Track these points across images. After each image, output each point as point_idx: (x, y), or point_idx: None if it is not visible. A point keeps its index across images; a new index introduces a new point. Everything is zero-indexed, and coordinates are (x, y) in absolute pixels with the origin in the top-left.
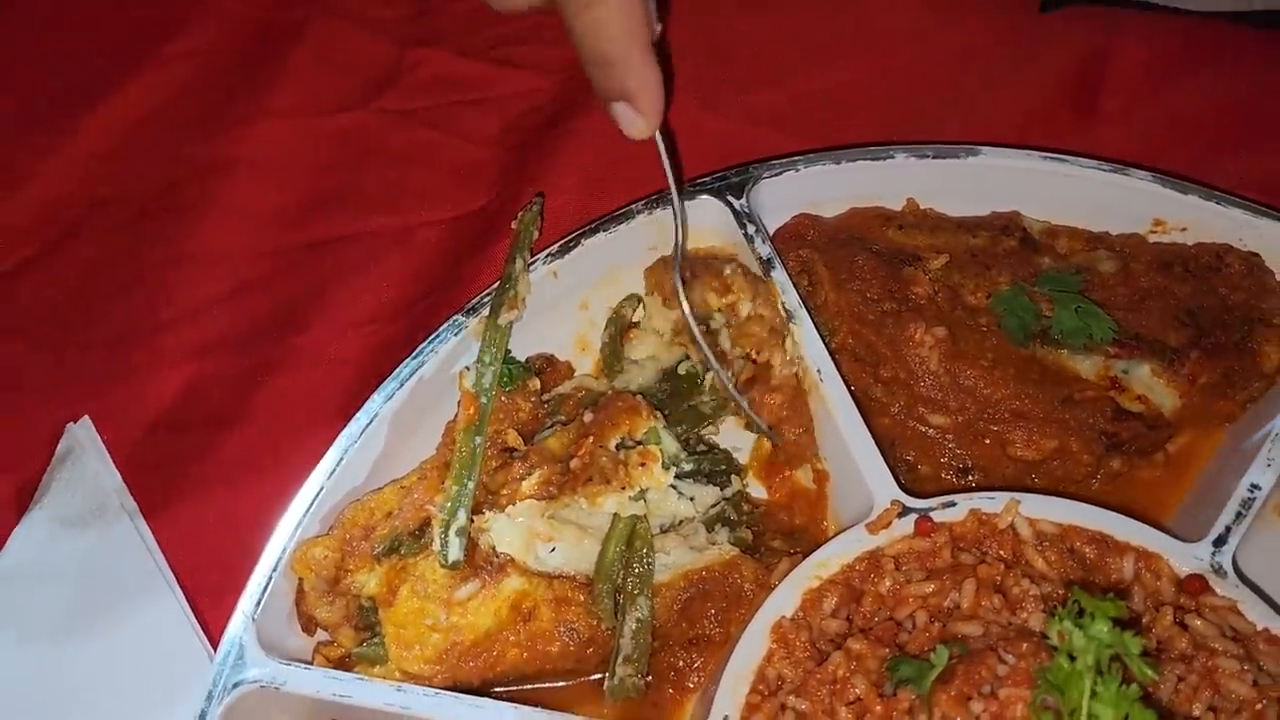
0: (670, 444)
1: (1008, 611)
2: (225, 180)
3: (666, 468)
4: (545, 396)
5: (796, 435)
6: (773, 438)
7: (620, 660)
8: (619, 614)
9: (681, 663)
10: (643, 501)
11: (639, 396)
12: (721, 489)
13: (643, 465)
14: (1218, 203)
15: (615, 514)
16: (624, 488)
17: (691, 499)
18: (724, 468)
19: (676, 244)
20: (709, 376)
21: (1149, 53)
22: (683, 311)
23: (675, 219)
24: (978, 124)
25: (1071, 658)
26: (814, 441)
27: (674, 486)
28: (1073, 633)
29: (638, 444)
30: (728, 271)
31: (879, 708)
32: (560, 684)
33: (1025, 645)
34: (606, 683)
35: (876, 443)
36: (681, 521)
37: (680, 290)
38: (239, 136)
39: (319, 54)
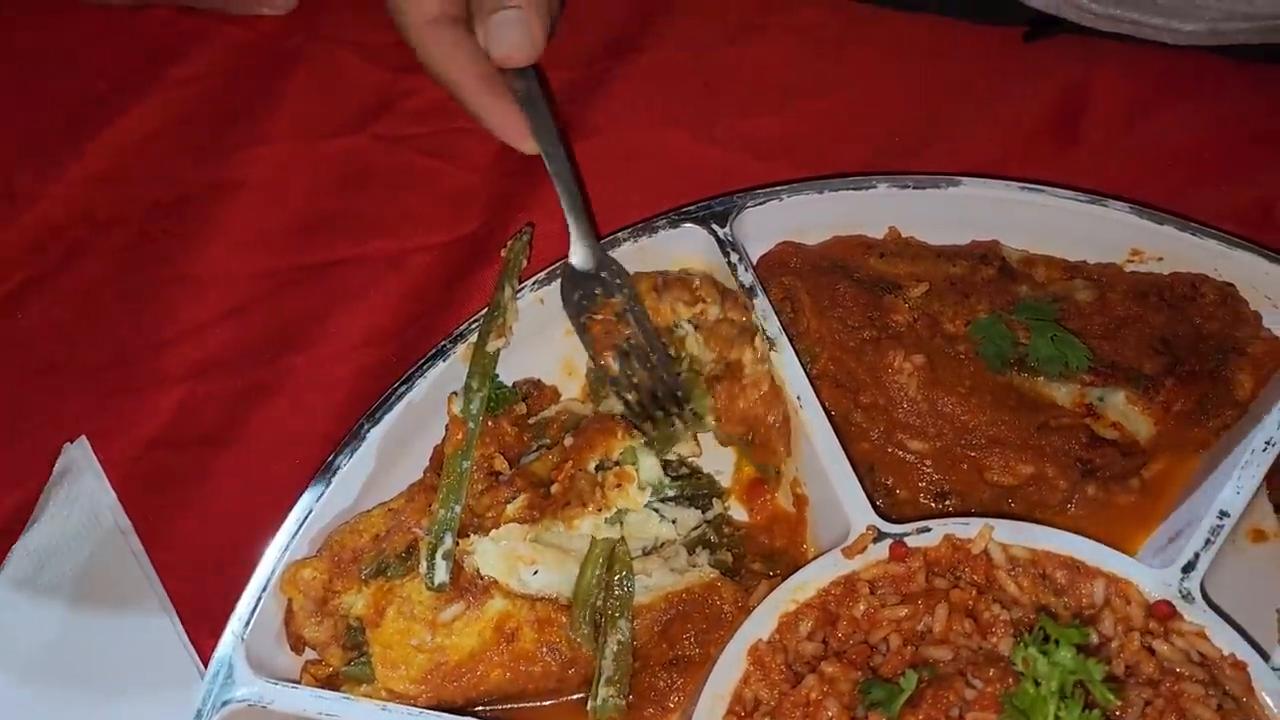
0: (650, 466)
1: (978, 636)
2: (224, 204)
3: (642, 488)
4: (531, 420)
5: (772, 424)
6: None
7: (602, 681)
8: (600, 637)
9: (662, 683)
10: (619, 524)
11: (618, 418)
12: (703, 512)
13: (618, 486)
14: (1193, 234)
15: (592, 538)
16: (600, 510)
17: (674, 521)
18: (706, 491)
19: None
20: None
21: (1129, 84)
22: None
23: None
24: (961, 153)
25: (1036, 683)
26: (786, 438)
27: (656, 510)
28: (1038, 659)
29: (616, 464)
30: (697, 282)
31: None
32: (543, 704)
33: (992, 671)
34: (590, 703)
35: (856, 468)
36: (663, 544)
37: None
38: (238, 161)
39: (316, 81)
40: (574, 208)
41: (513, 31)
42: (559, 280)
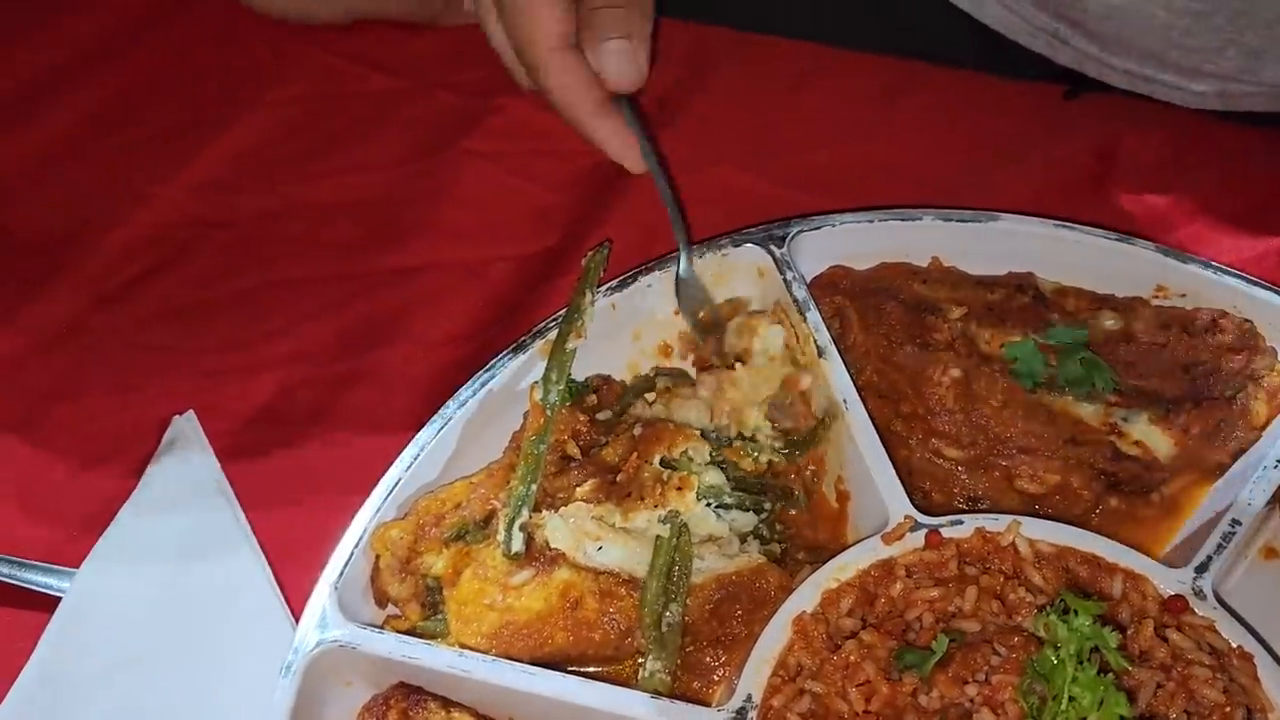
0: (713, 473)
1: (1005, 615)
2: (319, 213)
3: (700, 498)
4: (600, 416)
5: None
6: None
7: (651, 658)
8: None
9: (709, 658)
10: (671, 523)
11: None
12: (758, 514)
13: (678, 489)
14: (1215, 272)
15: (657, 539)
16: (656, 506)
17: (729, 523)
18: (765, 500)
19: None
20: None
21: (1159, 141)
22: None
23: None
24: (999, 197)
25: (1056, 648)
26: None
27: (715, 512)
28: (1058, 625)
29: (674, 467)
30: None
31: (885, 689)
32: (599, 669)
33: (1016, 639)
34: (640, 674)
35: (895, 470)
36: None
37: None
38: (333, 175)
39: (411, 107)
40: (678, 220)
41: (622, 61)
42: (643, 286)
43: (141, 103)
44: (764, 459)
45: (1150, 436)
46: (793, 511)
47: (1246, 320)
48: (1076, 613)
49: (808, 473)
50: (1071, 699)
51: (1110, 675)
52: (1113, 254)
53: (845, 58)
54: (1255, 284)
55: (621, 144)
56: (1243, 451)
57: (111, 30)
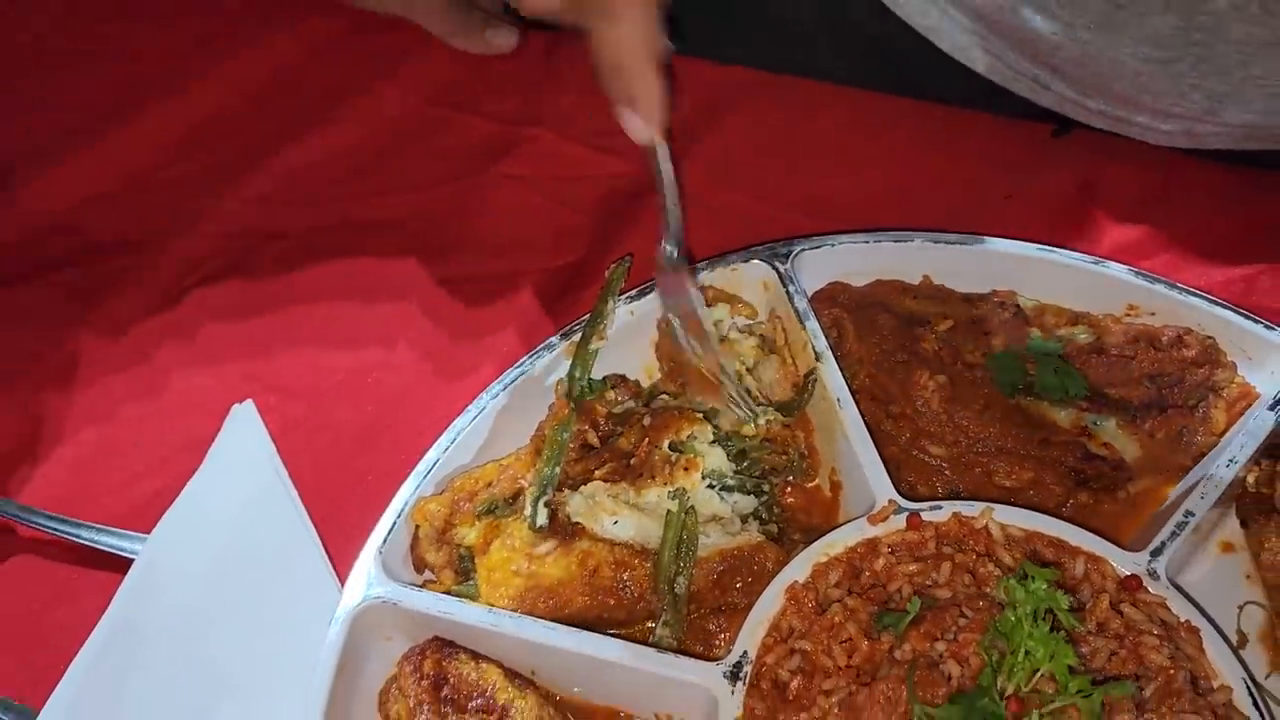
0: (717, 457)
1: (975, 586)
2: (367, 227)
3: (704, 479)
4: (616, 409)
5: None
6: (785, 415)
7: (661, 624)
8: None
9: (712, 626)
10: (679, 500)
11: (686, 408)
12: (757, 498)
13: (685, 469)
14: (1181, 293)
15: (668, 513)
16: (665, 484)
17: (732, 504)
18: (764, 481)
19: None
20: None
21: (1138, 175)
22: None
23: (665, 220)
24: (986, 224)
25: (1014, 609)
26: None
27: (719, 495)
28: (1016, 588)
29: (681, 450)
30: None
31: (865, 646)
32: (613, 632)
33: (982, 603)
34: (650, 638)
35: (885, 465)
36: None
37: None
38: (380, 194)
39: (452, 134)
40: (676, 205)
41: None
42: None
43: (205, 129)
44: (762, 420)
45: (1118, 439)
46: (791, 480)
47: (1209, 337)
48: (1034, 579)
49: (799, 437)
50: (1027, 653)
51: (1062, 633)
52: (1089, 275)
53: (847, 94)
54: (1217, 304)
55: (653, 103)
56: (1203, 455)
57: (186, 59)
